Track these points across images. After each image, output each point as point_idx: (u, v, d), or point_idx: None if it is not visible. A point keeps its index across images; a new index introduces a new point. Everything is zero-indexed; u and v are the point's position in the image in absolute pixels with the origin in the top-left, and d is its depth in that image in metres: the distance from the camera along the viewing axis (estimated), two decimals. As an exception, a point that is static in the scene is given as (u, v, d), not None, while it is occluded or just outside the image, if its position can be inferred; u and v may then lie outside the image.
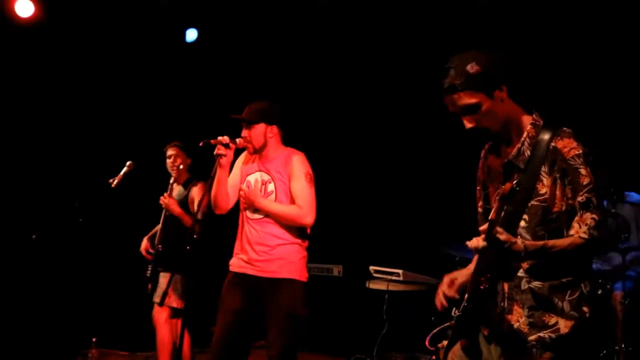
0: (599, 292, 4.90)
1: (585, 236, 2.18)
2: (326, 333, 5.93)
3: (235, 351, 3.58)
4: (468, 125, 2.33)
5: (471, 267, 2.46)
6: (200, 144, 3.50)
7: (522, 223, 2.28)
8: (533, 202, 2.26)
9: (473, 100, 2.28)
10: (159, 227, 5.17)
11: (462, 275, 2.42)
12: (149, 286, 4.92)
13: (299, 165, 3.63)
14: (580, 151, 2.25)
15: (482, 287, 2.28)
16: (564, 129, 2.30)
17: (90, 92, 6.75)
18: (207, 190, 3.65)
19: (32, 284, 6.14)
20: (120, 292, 6.47)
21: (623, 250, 4.84)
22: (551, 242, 2.21)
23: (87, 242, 5.83)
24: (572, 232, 2.21)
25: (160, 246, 4.88)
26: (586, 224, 2.18)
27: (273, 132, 3.68)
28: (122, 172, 4.85)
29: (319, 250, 3.76)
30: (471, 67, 2.27)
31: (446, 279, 2.44)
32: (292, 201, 3.61)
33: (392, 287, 5.20)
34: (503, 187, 2.25)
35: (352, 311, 6.05)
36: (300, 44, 6.64)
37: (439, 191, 5.88)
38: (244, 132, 3.67)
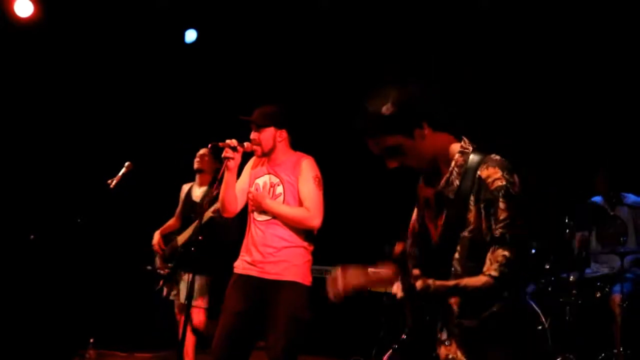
0: (597, 295, 4.91)
1: (496, 274, 2.09)
2: (324, 335, 5.92)
3: (236, 352, 3.57)
4: (390, 165, 2.26)
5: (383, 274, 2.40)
6: (209, 147, 3.50)
7: (456, 255, 2.22)
8: (464, 234, 2.20)
9: (392, 142, 2.20)
10: (170, 223, 5.20)
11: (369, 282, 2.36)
12: (160, 283, 4.94)
13: (307, 169, 3.65)
14: (504, 182, 2.12)
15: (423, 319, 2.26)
16: (492, 156, 2.20)
17: (89, 93, 6.74)
18: (215, 192, 3.66)
19: (30, 284, 6.13)
20: (118, 292, 6.47)
21: (621, 254, 4.85)
22: (464, 282, 2.14)
23: (86, 243, 5.81)
24: (484, 268, 2.13)
25: (181, 248, 4.91)
26: (497, 261, 2.10)
27: (282, 136, 3.70)
28: (120, 173, 4.83)
29: (317, 251, 3.76)
30: (386, 109, 2.17)
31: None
32: (301, 204, 3.62)
33: (391, 289, 5.19)
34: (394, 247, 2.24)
35: (351, 313, 6.04)
36: (301, 45, 6.63)
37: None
38: (253, 135, 3.68)
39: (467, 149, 2.25)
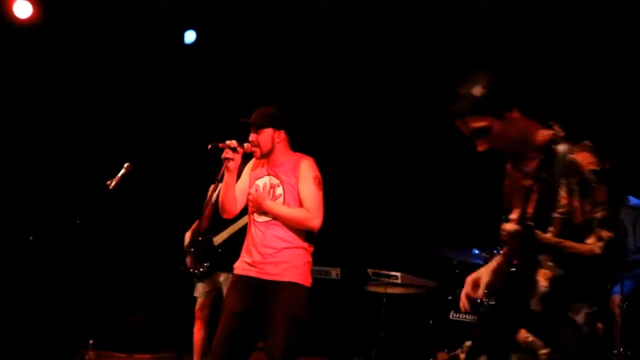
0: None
1: (599, 252, 2.15)
2: (324, 336, 5.92)
3: (236, 352, 3.57)
4: (480, 148, 2.32)
5: (492, 265, 2.45)
6: (209, 147, 3.51)
7: (549, 235, 2.24)
8: (555, 214, 2.23)
9: (481, 124, 2.28)
10: (196, 225, 5.24)
11: (486, 273, 2.40)
12: (194, 281, 4.96)
13: (307, 169, 3.66)
14: (598, 167, 2.22)
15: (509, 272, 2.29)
16: (585, 142, 2.28)
17: (88, 94, 6.74)
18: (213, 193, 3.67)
19: (29, 285, 6.13)
20: (117, 293, 6.47)
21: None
22: (567, 242, 2.19)
23: (85, 244, 5.81)
24: (589, 241, 2.19)
25: (220, 249, 4.94)
26: (603, 240, 2.16)
27: (280, 137, 3.71)
28: (119, 174, 4.83)
29: (317, 252, 3.76)
30: (477, 91, 2.26)
31: (469, 280, 2.42)
32: (301, 205, 3.63)
33: (390, 289, 5.19)
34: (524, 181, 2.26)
35: (350, 314, 6.04)
36: (301, 45, 6.63)
37: (437, 195, 5.87)
38: (252, 136, 3.69)
39: (560, 133, 2.33)
